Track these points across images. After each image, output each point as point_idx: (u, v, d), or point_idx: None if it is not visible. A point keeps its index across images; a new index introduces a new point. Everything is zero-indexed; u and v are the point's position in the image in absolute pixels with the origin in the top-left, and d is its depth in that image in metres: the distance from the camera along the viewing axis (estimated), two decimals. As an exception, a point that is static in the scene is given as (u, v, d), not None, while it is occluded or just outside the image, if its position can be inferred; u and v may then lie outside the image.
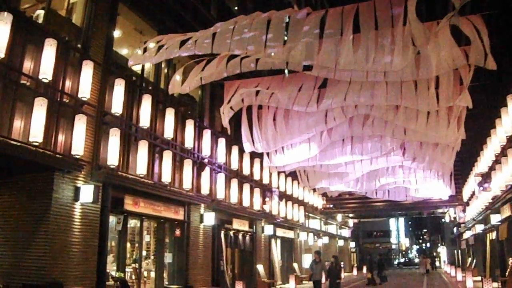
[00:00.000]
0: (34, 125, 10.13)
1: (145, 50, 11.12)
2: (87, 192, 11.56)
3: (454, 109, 13.11)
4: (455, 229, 48.26)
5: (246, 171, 21.32)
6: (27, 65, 10.52)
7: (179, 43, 10.34)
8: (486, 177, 22.27)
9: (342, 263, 32.52)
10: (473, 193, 28.76)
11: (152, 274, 15.39)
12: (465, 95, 11.99)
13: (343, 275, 31.90)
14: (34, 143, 10.15)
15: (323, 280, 16.93)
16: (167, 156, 15.14)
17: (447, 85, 11.52)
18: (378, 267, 30.49)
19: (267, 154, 17.44)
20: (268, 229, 24.51)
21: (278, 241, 27.89)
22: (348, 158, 18.01)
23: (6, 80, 9.77)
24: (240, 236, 21.58)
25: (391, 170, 20.91)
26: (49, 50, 10.63)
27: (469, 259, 40.09)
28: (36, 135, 10.13)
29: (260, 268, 22.92)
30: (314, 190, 30.06)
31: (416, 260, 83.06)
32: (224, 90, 14.21)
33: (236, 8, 22.48)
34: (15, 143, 9.90)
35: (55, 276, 10.58)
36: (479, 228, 30.52)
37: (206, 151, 17.78)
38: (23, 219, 10.93)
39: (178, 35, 10.52)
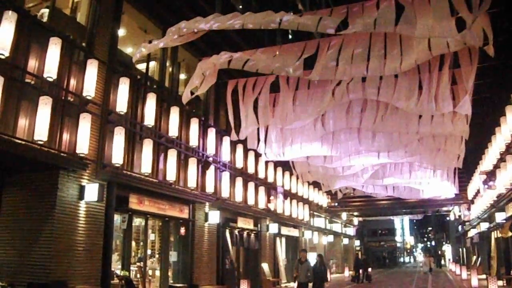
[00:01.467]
0: (39, 124, 10.13)
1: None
2: (92, 191, 11.57)
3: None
4: (460, 227, 48.13)
5: (250, 169, 21.32)
6: (32, 64, 10.52)
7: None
8: (491, 175, 22.21)
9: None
10: (478, 191, 28.69)
11: (157, 272, 15.39)
12: (465, 103, 11.93)
13: (347, 273, 31.91)
14: (39, 142, 10.15)
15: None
16: (172, 154, 15.14)
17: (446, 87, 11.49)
18: (364, 266, 30.69)
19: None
20: (273, 228, 24.52)
21: (283, 239, 27.89)
22: (356, 161, 18.01)
23: (10, 78, 9.75)
24: (245, 235, 21.55)
25: (396, 168, 20.82)
26: (54, 48, 10.64)
27: (474, 257, 39.99)
28: (41, 133, 10.13)
29: (265, 266, 22.93)
30: (320, 188, 30.05)
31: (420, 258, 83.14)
32: (228, 88, 14.19)
33: (240, 6, 22.45)
34: (20, 141, 9.90)
35: (60, 274, 10.60)
36: (484, 226, 30.47)
37: (210, 149, 17.79)
38: (28, 218, 10.94)
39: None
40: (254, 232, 22.59)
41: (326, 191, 32.47)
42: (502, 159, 20.13)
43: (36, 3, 12.35)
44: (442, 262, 65.92)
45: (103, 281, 11.87)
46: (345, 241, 45.33)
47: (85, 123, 11.46)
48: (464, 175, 30.50)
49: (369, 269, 30.47)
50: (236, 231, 20.69)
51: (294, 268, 15.60)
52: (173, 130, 15.31)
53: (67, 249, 10.94)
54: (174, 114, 15.40)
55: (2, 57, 9.38)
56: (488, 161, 23.22)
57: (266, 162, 22.77)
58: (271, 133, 15.40)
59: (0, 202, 11.44)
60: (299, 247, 30.63)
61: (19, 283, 10.38)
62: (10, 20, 9.45)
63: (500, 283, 21.48)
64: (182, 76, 18.03)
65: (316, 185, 30.95)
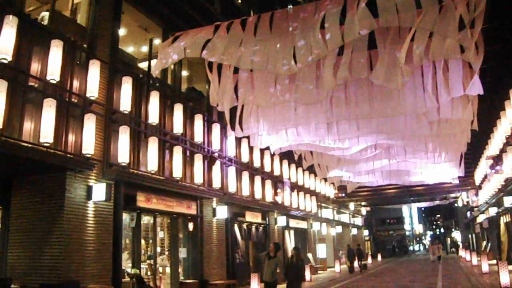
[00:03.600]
0: (44, 126, 10.21)
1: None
2: (99, 191, 11.66)
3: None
4: (468, 213, 48.07)
5: (256, 163, 21.37)
6: (35, 67, 10.58)
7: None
8: (497, 160, 22.17)
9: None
10: (485, 176, 28.63)
11: (167, 269, 15.49)
12: (475, 83, 11.71)
13: (355, 263, 31.79)
14: (45, 144, 10.23)
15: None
16: (177, 151, 15.19)
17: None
18: (358, 256, 31.12)
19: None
20: (281, 221, 24.59)
21: (292, 232, 27.95)
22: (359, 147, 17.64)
23: (14, 82, 9.81)
24: (253, 229, 21.64)
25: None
26: (56, 51, 10.69)
27: (484, 243, 39.92)
28: (47, 135, 10.20)
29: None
30: (326, 179, 29.95)
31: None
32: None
33: (239, 1, 22.45)
34: (26, 144, 9.98)
35: (71, 275, 10.69)
36: (493, 211, 30.42)
37: (216, 145, 17.84)
38: (38, 219, 11.05)
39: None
40: (262, 225, 22.67)
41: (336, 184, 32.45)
42: (508, 143, 20.08)
43: (36, 6, 12.42)
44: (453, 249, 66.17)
45: (114, 279, 11.97)
46: (354, 231, 45.39)
47: (90, 123, 11.52)
48: (471, 160, 30.46)
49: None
50: (244, 225, 20.77)
51: (262, 263, 12.04)
52: (178, 127, 15.36)
53: (77, 249, 11.03)
54: (178, 111, 15.44)
55: (5, 61, 9.44)
56: (494, 145, 23.17)
57: (272, 155, 22.79)
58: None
59: (9, 205, 11.55)
60: (308, 238, 30.68)
61: (31, 284, 10.48)
62: (11, 25, 9.51)
63: (511, 267, 21.44)
64: (185, 73, 18.05)
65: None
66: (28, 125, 10.24)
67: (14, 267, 11.08)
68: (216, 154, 17.94)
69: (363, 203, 46.63)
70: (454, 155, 19.40)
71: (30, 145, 10.06)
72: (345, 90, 12.83)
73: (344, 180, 24.32)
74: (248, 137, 17.56)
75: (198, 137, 16.62)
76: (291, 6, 9.97)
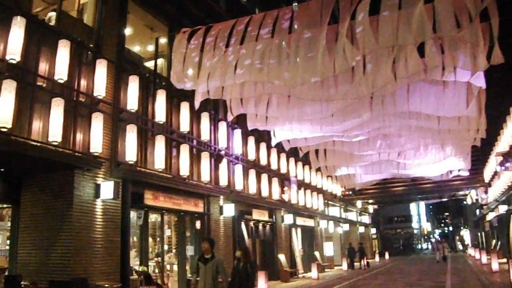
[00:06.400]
0: (52, 125, 10.34)
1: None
2: (107, 189, 11.77)
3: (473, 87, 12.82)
4: (477, 211, 47.79)
5: (263, 161, 21.41)
6: (42, 67, 10.71)
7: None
8: (507, 156, 22.04)
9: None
10: (495, 173, 28.47)
11: (175, 267, 15.58)
12: (479, 76, 11.68)
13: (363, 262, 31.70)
14: (54, 143, 10.35)
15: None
16: (184, 149, 15.28)
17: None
18: (360, 254, 31.64)
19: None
20: (288, 218, 24.57)
21: (299, 230, 27.94)
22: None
23: (22, 82, 9.94)
24: (260, 226, 21.68)
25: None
26: (63, 51, 10.82)
27: (494, 241, 39.67)
28: (55, 135, 10.32)
29: (282, 257, 23.01)
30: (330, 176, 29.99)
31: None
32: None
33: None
34: (35, 143, 10.11)
35: (80, 272, 10.81)
36: (503, 208, 30.18)
37: (222, 143, 17.90)
38: (47, 217, 11.17)
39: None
40: (269, 223, 22.69)
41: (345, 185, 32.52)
42: (518, 139, 19.98)
43: (43, 7, 12.54)
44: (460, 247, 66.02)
45: (123, 277, 12.06)
46: (361, 229, 45.24)
47: (98, 122, 11.64)
48: (480, 157, 30.29)
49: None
50: (251, 223, 20.81)
51: (192, 272, 8.95)
52: (184, 125, 15.44)
53: (86, 246, 11.14)
54: (185, 109, 15.52)
55: (14, 62, 9.59)
56: (504, 142, 23.03)
57: (278, 153, 22.85)
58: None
59: (19, 203, 11.67)
60: (315, 236, 30.63)
61: (41, 281, 10.62)
62: (19, 26, 9.66)
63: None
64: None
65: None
66: (36, 124, 10.37)
67: (25, 264, 11.22)
68: (222, 152, 18.01)
69: (370, 201, 46.47)
70: (461, 150, 19.28)
71: (39, 144, 10.19)
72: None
73: (352, 175, 24.31)
74: (254, 135, 17.67)
75: (205, 135, 16.70)
76: (296, 4, 10.00)
